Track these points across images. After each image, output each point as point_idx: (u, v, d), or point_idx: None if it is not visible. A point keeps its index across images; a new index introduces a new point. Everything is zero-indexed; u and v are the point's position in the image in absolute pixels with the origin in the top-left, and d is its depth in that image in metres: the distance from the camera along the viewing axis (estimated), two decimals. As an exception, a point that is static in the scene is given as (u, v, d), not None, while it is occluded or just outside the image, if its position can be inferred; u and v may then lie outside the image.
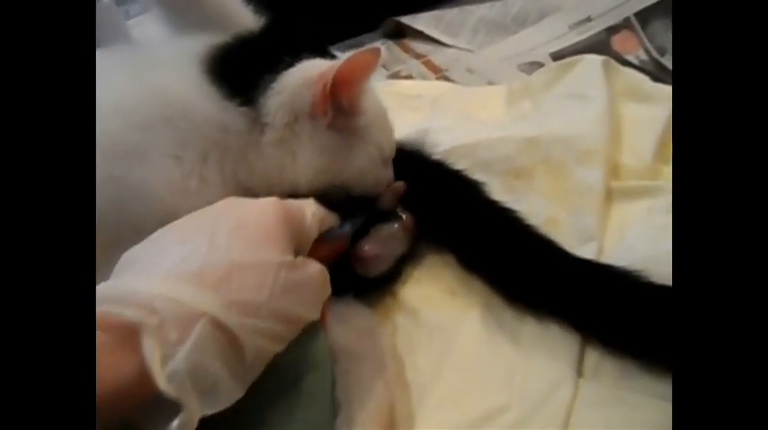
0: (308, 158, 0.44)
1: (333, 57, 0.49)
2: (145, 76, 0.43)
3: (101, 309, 0.30)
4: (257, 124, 0.43)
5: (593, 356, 0.45)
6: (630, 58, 0.76)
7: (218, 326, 0.32)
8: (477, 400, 0.44)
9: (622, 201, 0.55)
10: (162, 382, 0.30)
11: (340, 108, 0.44)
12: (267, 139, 0.43)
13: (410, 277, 0.53)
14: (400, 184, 0.50)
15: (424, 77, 0.82)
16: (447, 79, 0.81)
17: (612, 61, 0.67)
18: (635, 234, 0.51)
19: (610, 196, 0.55)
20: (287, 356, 0.36)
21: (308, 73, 0.43)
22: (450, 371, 0.46)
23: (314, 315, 0.37)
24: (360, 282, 0.47)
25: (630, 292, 0.44)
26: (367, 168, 0.47)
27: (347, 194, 0.47)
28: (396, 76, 0.83)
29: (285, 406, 0.38)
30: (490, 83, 0.78)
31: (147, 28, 0.54)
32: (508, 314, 0.48)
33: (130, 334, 0.30)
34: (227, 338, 0.32)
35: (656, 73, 0.72)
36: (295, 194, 0.43)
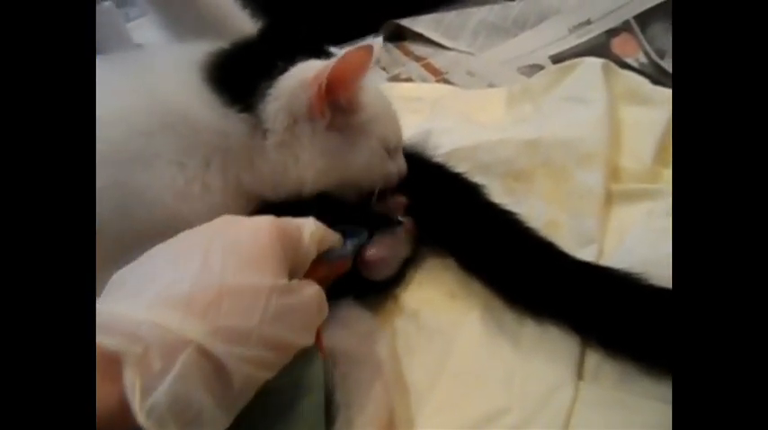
0: (311, 160, 0.44)
1: (330, 55, 0.49)
2: (146, 84, 0.43)
3: None
4: (258, 129, 0.43)
5: (594, 359, 0.44)
6: (630, 60, 0.76)
7: (205, 354, 0.31)
8: (476, 403, 0.44)
9: (622, 204, 0.55)
10: (141, 417, 0.29)
11: (338, 107, 0.44)
12: (270, 143, 0.43)
13: (410, 280, 0.53)
14: (402, 199, 0.50)
15: (424, 80, 0.82)
16: (447, 82, 0.81)
17: (612, 64, 0.67)
18: (635, 237, 0.51)
19: (610, 199, 0.55)
20: (280, 380, 0.35)
21: (303, 75, 0.43)
22: (450, 373, 0.46)
23: (307, 340, 0.36)
24: (363, 285, 0.47)
25: (630, 295, 0.44)
26: (372, 163, 0.47)
27: (356, 193, 0.47)
28: (396, 78, 0.83)
29: None
30: (490, 85, 0.78)
31: (147, 31, 0.54)
32: (508, 316, 0.48)
33: (113, 363, 0.30)
34: (213, 366, 0.31)
35: (655, 76, 0.72)
36: (302, 194, 0.44)
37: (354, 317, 0.47)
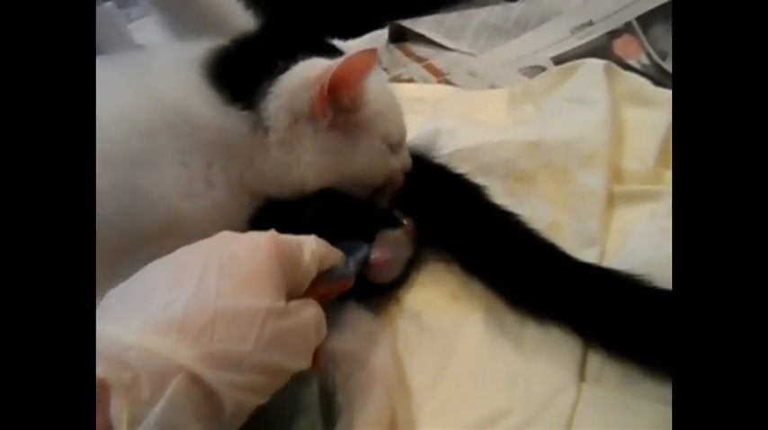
0: (312, 159, 0.44)
1: (334, 49, 0.49)
2: (147, 83, 0.43)
3: None
4: (260, 127, 0.43)
5: (596, 360, 0.44)
6: (632, 62, 0.76)
7: (196, 380, 0.31)
8: (478, 405, 0.43)
9: (624, 205, 0.55)
10: None
11: (340, 106, 0.44)
12: (271, 142, 0.43)
13: (412, 281, 0.52)
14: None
15: (425, 81, 0.82)
16: (448, 83, 0.81)
17: (614, 65, 0.67)
18: (637, 238, 0.51)
19: (612, 200, 0.55)
20: (275, 400, 0.34)
21: (306, 74, 0.43)
22: (452, 375, 0.46)
23: (302, 364, 0.35)
24: (365, 287, 0.47)
25: (633, 297, 0.44)
26: (374, 160, 0.47)
27: (360, 190, 0.47)
28: (397, 79, 0.83)
29: None
30: (492, 86, 0.78)
31: (149, 31, 0.54)
32: (510, 318, 0.48)
33: (101, 390, 0.29)
34: (204, 393, 0.31)
35: (657, 77, 0.72)
36: (304, 192, 0.44)
37: (356, 318, 0.47)
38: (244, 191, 0.44)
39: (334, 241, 0.42)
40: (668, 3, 0.79)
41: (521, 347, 0.46)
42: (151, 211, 0.41)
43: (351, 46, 0.51)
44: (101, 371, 0.29)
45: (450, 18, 0.91)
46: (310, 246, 0.38)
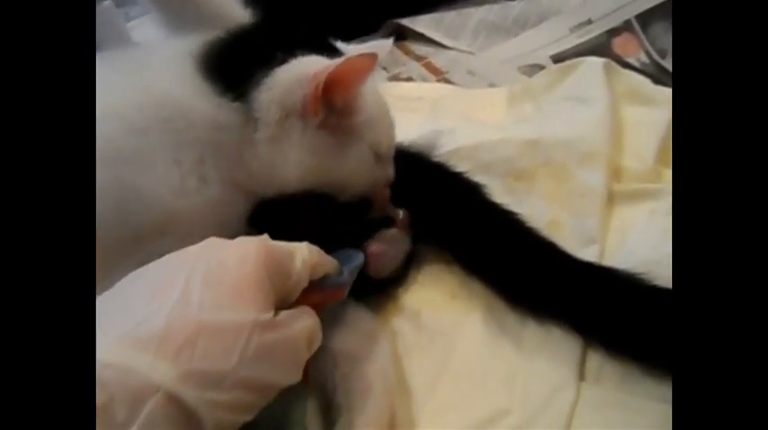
0: (298, 157, 0.43)
1: (334, 50, 0.48)
2: (139, 78, 0.43)
3: None
4: (250, 120, 0.43)
5: (596, 359, 0.44)
6: (631, 60, 0.76)
7: (174, 400, 0.29)
8: (478, 404, 0.43)
9: (624, 203, 0.55)
10: None
11: (333, 107, 0.43)
12: (260, 137, 0.43)
13: (411, 280, 0.52)
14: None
15: (424, 79, 0.82)
16: (447, 81, 0.81)
17: (614, 64, 0.67)
18: (637, 237, 0.51)
19: (611, 199, 0.55)
20: (262, 413, 0.33)
21: (302, 71, 0.43)
22: (451, 374, 0.46)
23: (291, 379, 0.34)
24: (364, 284, 0.46)
25: (632, 295, 0.44)
26: (359, 169, 0.46)
27: (342, 196, 0.46)
28: (396, 78, 0.83)
29: None
30: (491, 85, 0.78)
31: (147, 30, 0.53)
32: (510, 317, 0.48)
33: None
34: (183, 414, 0.30)
35: (657, 75, 0.72)
36: (286, 192, 0.43)
37: (355, 317, 0.46)
38: (238, 188, 0.43)
39: (330, 246, 0.41)
40: (668, 1, 0.79)
41: (520, 346, 0.46)
42: (145, 209, 0.40)
43: (352, 50, 0.51)
44: None
45: (449, 16, 0.91)
46: (302, 254, 0.37)
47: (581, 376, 0.44)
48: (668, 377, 0.41)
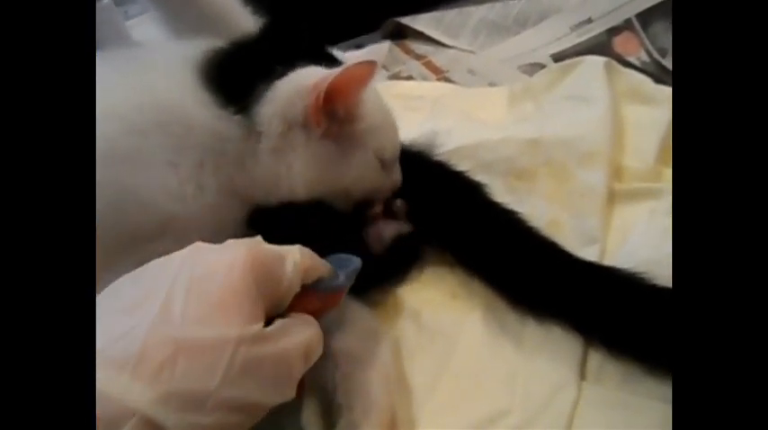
0: (303, 168, 0.43)
1: (333, 59, 0.48)
2: (140, 81, 0.43)
3: None
4: (253, 133, 0.43)
5: (596, 359, 0.44)
6: (632, 59, 0.76)
7: (151, 426, 0.28)
8: (479, 404, 0.43)
9: (625, 203, 0.55)
10: None
11: (335, 117, 0.43)
12: (263, 148, 0.43)
13: (411, 280, 0.52)
14: (402, 205, 0.50)
15: (424, 78, 0.82)
16: (448, 80, 0.81)
17: (614, 63, 0.66)
18: (637, 236, 0.51)
19: (612, 198, 0.55)
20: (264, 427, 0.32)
21: (302, 82, 0.43)
22: (452, 374, 0.46)
23: (283, 397, 0.32)
24: (366, 281, 0.46)
25: (633, 295, 0.44)
26: (365, 175, 0.46)
27: (348, 203, 0.47)
28: (396, 76, 0.83)
29: None
30: (491, 84, 0.78)
31: (147, 29, 0.53)
32: (510, 317, 0.47)
33: None
34: None
35: (657, 74, 0.72)
36: (293, 201, 0.43)
37: (356, 316, 0.46)
38: (235, 195, 0.43)
39: (328, 247, 0.40)
40: (668, 0, 0.79)
41: (521, 346, 0.46)
42: (142, 211, 0.40)
43: (350, 57, 0.51)
44: None
45: (449, 15, 0.91)
46: (293, 257, 0.35)
47: (582, 376, 0.44)
48: (669, 377, 0.41)
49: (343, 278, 0.39)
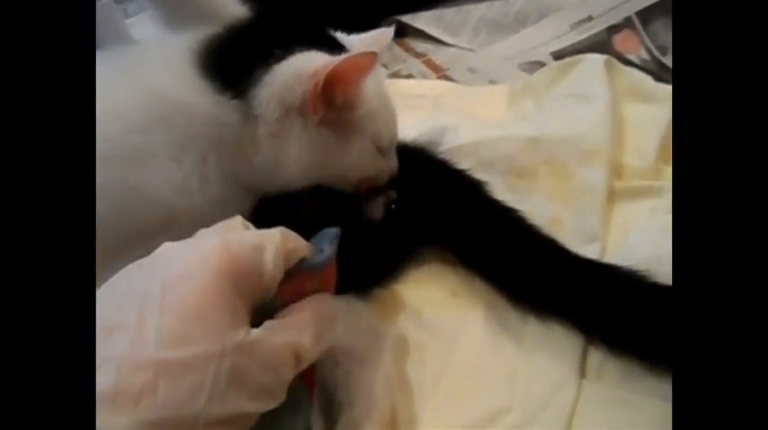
0: (299, 154, 0.43)
1: (335, 43, 0.48)
2: (139, 77, 0.43)
3: None
4: (251, 118, 0.42)
5: (597, 357, 0.44)
6: (632, 57, 0.76)
7: None
8: (479, 402, 0.43)
9: (625, 201, 0.55)
10: None
11: (333, 104, 0.43)
12: (261, 134, 0.43)
13: (411, 278, 0.52)
14: (392, 193, 0.50)
15: (424, 77, 0.82)
16: (448, 78, 0.81)
17: (614, 61, 0.66)
18: (638, 234, 0.51)
19: (613, 196, 0.55)
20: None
21: (301, 67, 0.42)
22: (453, 372, 0.46)
23: (273, 402, 0.30)
24: (366, 278, 0.46)
25: (634, 293, 0.44)
26: (362, 161, 0.46)
27: (345, 187, 0.47)
28: (396, 75, 0.83)
29: None
30: (492, 82, 0.78)
31: (146, 27, 0.53)
32: (511, 315, 0.48)
33: None
34: None
35: (657, 72, 0.72)
36: (292, 188, 0.43)
37: (357, 315, 0.47)
38: (240, 186, 0.43)
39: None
40: (668, -3, 0.79)
41: (521, 344, 0.46)
42: (147, 208, 0.40)
43: (354, 40, 0.51)
44: None
45: (449, 13, 0.91)
46: (273, 243, 0.33)
47: (582, 373, 0.44)
48: (669, 375, 0.41)
49: (329, 249, 0.37)
